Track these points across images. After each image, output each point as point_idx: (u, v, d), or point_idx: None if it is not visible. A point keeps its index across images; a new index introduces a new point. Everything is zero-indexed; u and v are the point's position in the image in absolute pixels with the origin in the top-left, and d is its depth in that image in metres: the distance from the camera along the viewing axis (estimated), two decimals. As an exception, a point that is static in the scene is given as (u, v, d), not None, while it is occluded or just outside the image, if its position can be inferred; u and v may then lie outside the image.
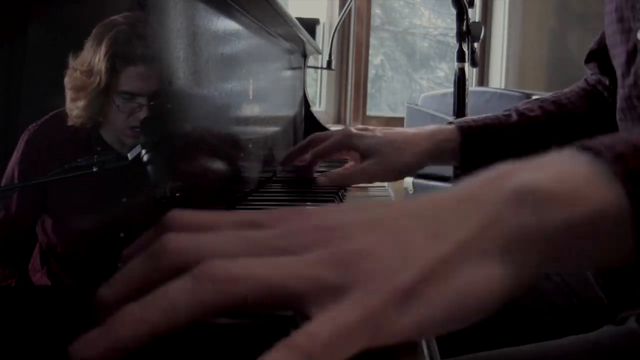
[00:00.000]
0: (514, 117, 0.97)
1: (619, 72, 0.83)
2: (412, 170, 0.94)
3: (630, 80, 0.80)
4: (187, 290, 0.30)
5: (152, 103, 0.52)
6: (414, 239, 0.32)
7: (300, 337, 0.29)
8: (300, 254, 0.31)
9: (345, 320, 0.30)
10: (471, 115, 1.62)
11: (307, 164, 0.98)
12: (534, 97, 1.04)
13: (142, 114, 0.51)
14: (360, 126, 0.98)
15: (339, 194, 0.92)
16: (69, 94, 0.41)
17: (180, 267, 0.31)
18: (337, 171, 0.95)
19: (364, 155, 0.92)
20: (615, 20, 0.82)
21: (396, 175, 0.94)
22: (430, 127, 0.97)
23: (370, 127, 0.96)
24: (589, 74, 1.04)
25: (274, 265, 0.31)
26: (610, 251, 0.34)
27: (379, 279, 0.31)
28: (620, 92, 0.83)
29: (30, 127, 0.37)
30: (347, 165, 0.99)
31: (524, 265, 0.33)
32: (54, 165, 0.40)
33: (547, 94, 1.03)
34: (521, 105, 1.00)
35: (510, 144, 0.95)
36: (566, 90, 1.03)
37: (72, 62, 0.41)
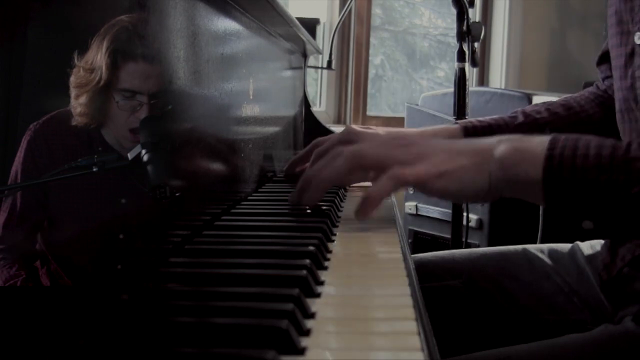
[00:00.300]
0: (520, 118, 0.97)
1: (617, 75, 0.83)
2: None
3: (627, 82, 0.80)
4: (346, 158, 0.70)
5: (152, 102, 0.52)
6: (452, 154, 0.67)
7: (396, 170, 0.66)
8: (400, 150, 0.68)
9: (416, 171, 0.66)
10: (471, 115, 1.63)
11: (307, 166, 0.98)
12: (534, 97, 1.04)
13: (142, 112, 0.51)
14: (360, 126, 0.98)
15: (339, 193, 0.92)
16: (73, 92, 0.41)
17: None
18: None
19: None
20: (615, 23, 0.82)
21: None
22: (434, 127, 0.97)
23: (372, 127, 0.95)
24: (600, 76, 1.03)
25: (383, 154, 0.68)
26: (534, 198, 0.64)
27: (431, 164, 0.66)
28: (618, 95, 0.83)
29: (31, 126, 0.37)
30: None
31: (493, 185, 0.65)
32: (56, 164, 0.40)
33: (547, 94, 1.03)
34: (529, 107, 1.00)
35: None
36: (576, 94, 1.03)
37: (75, 60, 0.41)
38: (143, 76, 0.51)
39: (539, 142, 0.63)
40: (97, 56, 0.43)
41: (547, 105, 0.99)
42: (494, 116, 0.98)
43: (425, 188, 0.66)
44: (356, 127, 0.95)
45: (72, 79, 0.41)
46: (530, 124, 0.96)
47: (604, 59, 1.00)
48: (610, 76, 0.98)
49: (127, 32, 0.47)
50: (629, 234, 0.67)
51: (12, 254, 0.36)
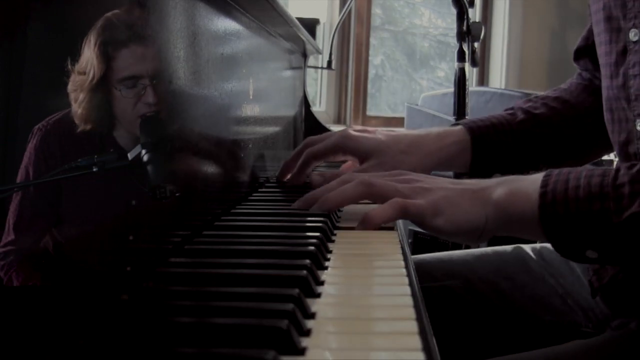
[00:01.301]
0: (520, 115, 0.94)
1: (605, 72, 0.81)
2: None
3: (619, 81, 0.78)
4: (355, 186, 0.71)
5: (155, 82, 0.52)
6: (453, 193, 0.67)
7: (400, 200, 0.67)
8: (407, 185, 0.69)
9: (413, 204, 0.66)
10: (471, 115, 1.63)
11: (299, 167, 0.92)
12: (533, 96, 1.02)
13: (148, 96, 0.51)
14: (359, 127, 0.95)
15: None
16: (72, 97, 0.41)
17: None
18: (334, 172, 0.91)
19: (362, 157, 0.89)
20: (603, 19, 0.79)
21: None
22: (437, 129, 0.94)
23: (371, 129, 0.93)
24: (578, 71, 1.02)
25: (390, 185, 0.69)
26: (534, 235, 0.66)
27: (431, 201, 0.66)
28: (607, 93, 0.81)
29: (40, 126, 0.37)
30: (345, 166, 0.96)
31: (490, 226, 0.66)
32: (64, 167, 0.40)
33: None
34: (522, 103, 0.97)
35: (520, 142, 0.93)
36: (563, 86, 1.01)
37: (71, 65, 0.41)
38: (139, 59, 0.51)
39: (533, 181, 0.65)
40: (88, 54, 0.43)
41: (542, 100, 0.97)
42: (492, 114, 0.96)
43: (423, 223, 0.66)
44: (354, 129, 0.93)
45: (69, 85, 0.41)
46: (531, 121, 0.94)
47: (582, 53, 0.98)
48: (592, 69, 0.97)
49: (111, 22, 0.47)
50: (633, 261, 0.67)
51: (15, 253, 0.36)
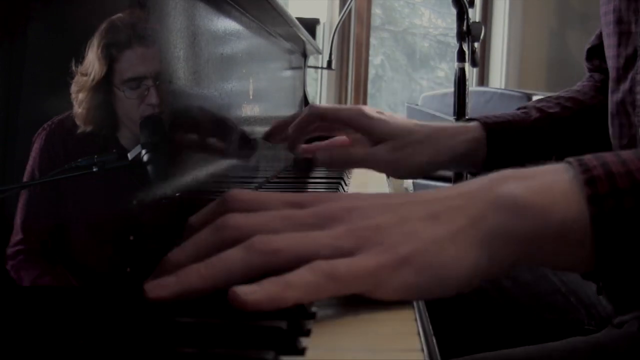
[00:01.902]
0: (534, 114, 0.91)
1: (613, 75, 0.79)
2: (423, 171, 0.82)
3: (626, 85, 0.76)
4: (240, 257, 0.40)
5: (157, 83, 0.52)
6: (416, 220, 0.42)
7: (322, 263, 0.39)
8: (327, 229, 0.42)
9: (357, 267, 0.40)
10: (471, 116, 1.62)
11: (298, 123, 0.79)
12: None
13: (152, 97, 0.51)
14: (374, 109, 0.84)
15: (342, 184, 0.91)
16: (75, 98, 0.41)
17: (237, 239, 0.41)
18: (341, 151, 0.82)
19: (376, 139, 0.79)
20: (613, 22, 0.78)
21: (406, 171, 0.81)
22: (452, 124, 0.87)
23: (387, 112, 0.83)
24: (587, 70, 1.01)
25: (305, 239, 0.41)
26: (572, 259, 0.41)
27: (384, 248, 0.40)
28: (613, 97, 0.79)
29: (45, 125, 0.37)
30: (338, 139, 0.86)
31: (497, 259, 0.41)
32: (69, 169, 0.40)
33: (547, 94, 1.01)
34: (535, 103, 0.95)
35: (535, 140, 0.90)
36: (575, 88, 0.99)
37: (75, 66, 0.41)
38: (142, 60, 0.51)
39: (554, 171, 0.43)
40: (91, 56, 0.43)
41: (556, 100, 0.94)
42: (507, 112, 0.92)
43: (377, 289, 0.41)
44: (368, 109, 0.80)
45: (73, 87, 0.41)
46: (546, 119, 0.91)
47: (595, 52, 0.97)
48: (604, 69, 0.96)
49: (115, 25, 0.47)
50: None
51: (25, 253, 0.36)
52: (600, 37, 0.94)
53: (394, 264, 0.40)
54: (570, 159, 0.43)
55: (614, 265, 0.40)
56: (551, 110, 0.92)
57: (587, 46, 0.98)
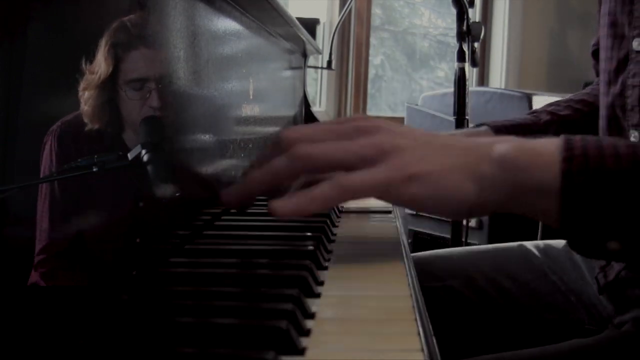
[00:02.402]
0: (545, 117, 0.92)
1: (604, 78, 0.79)
2: None
3: (616, 88, 0.76)
4: (285, 163, 0.52)
5: (160, 86, 0.52)
6: (431, 149, 0.52)
7: (341, 177, 0.50)
8: (357, 140, 0.52)
9: (370, 179, 0.50)
10: (471, 116, 1.63)
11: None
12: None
13: (153, 99, 0.51)
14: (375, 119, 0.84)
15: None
16: (82, 96, 0.41)
17: (286, 149, 0.52)
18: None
19: None
20: (608, 24, 0.78)
21: None
22: (461, 132, 0.87)
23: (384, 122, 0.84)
24: (595, 72, 1.01)
25: (336, 146, 0.51)
26: (546, 213, 0.50)
27: (398, 164, 0.50)
28: (605, 100, 0.79)
29: (55, 127, 0.38)
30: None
31: (483, 197, 0.51)
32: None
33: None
34: (545, 107, 0.96)
35: None
36: (585, 91, 0.99)
37: (84, 64, 0.41)
38: (146, 62, 0.51)
39: (548, 142, 0.51)
40: (98, 56, 0.43)
41: (566, 103, 0.95)
42: (516, 117, 0.93)
43: (389, 196, 0.51)
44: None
45: (81, 85, 0.41)
46: (557, 122, 0.92)
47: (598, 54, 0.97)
48: None
49: (124, 26, 0.47)
50: None
51: (54, 257, 0.36)
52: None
53: (403, 179, 0.50)
54: (564, 136, 0.51)
55: (577, 227, 0.49)
56: (562, 113, 0.92)
57: (592, 48, 0.99)
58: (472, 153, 0.52)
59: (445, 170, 0.51)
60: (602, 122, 0.80)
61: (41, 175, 0.38)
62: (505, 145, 0.52)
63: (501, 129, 0.88)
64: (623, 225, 0.48)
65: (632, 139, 0.74)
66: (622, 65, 0.76)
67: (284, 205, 0.50)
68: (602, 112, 0.80)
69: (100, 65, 0.44)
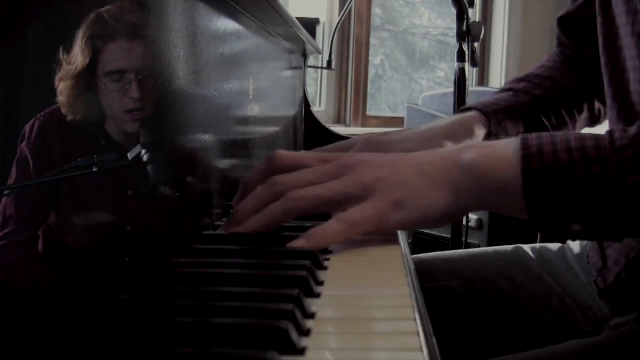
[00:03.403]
0: (524, 97, 0.93)
1: (628, 54, 0.75)
2: None
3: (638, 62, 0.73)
4: (281, 207, 0.57)
5: (140, 77, 0.52)
6: (407, 173, 0.58)
7: (343, 215, 0.56)
8: (342, 178, 0.58)
9: (364, 213, 0.56)
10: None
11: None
12: (524, 75, 0.99)
13: (133, 91, 0.50)
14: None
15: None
16: (60, 87, 0.40)
17: (281, 193, 0.58)
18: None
19: None
20: (622, 1, 0.75)
21: None
22: (447, 120, 0.86)
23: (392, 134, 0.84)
24: (559, 44, 0.99)
25: (324, 188, 0.57)
26: (514, 209, 0.58)
27: (384, 195, 0.57)
28: (635, 75, 0.75)
29: (39, 115, 0.37)
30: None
31: (460, 204, 0.58)
32: (66, 157, 0.40)
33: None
34: (515, 84, 0.95)
35: (529, 125, 0.91)
36: (548, 64, 0.98)
37: (61, 56, 0.40)
38: (125, 54, 0.51)
39: (507, 144, 0.58)
40: (76, 47, 0.43)
41: (536, 80, 0.95)
42: (498, 96, 0.93)
43: (383, 227, 0.57)
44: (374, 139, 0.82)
45: (58, 74, 0.40)
46: (534, 103, 0.93)
47: (569, 22, 0.96)
48: (582, 45, 0.95)
49: (102, 18, 0.47)
50: (623, 232, 0.60)
51: (14, 251, 0.36)
52: (579, 6, 0.93)
53: (391, 207, 0.56)
54: (521, 136, 0.58)
55: (543, 216, 0.57)
56: (536, 92, 0.93)
57: (561, 14, 0.97)
58: (443, 164, 0.58)
59: (424, 188, 0.58)
60: (635, 92, 0.76)
61: (32, 171, 0.38)
62: (470, 153, 0.58)
63: (492, 114, 0.89)
64: (582, 209, 0.56)
65: None
66: None
67: (301, 244, 0.56)
68: (634, 87, 0.76)
69: (78, 56, 0.43)
